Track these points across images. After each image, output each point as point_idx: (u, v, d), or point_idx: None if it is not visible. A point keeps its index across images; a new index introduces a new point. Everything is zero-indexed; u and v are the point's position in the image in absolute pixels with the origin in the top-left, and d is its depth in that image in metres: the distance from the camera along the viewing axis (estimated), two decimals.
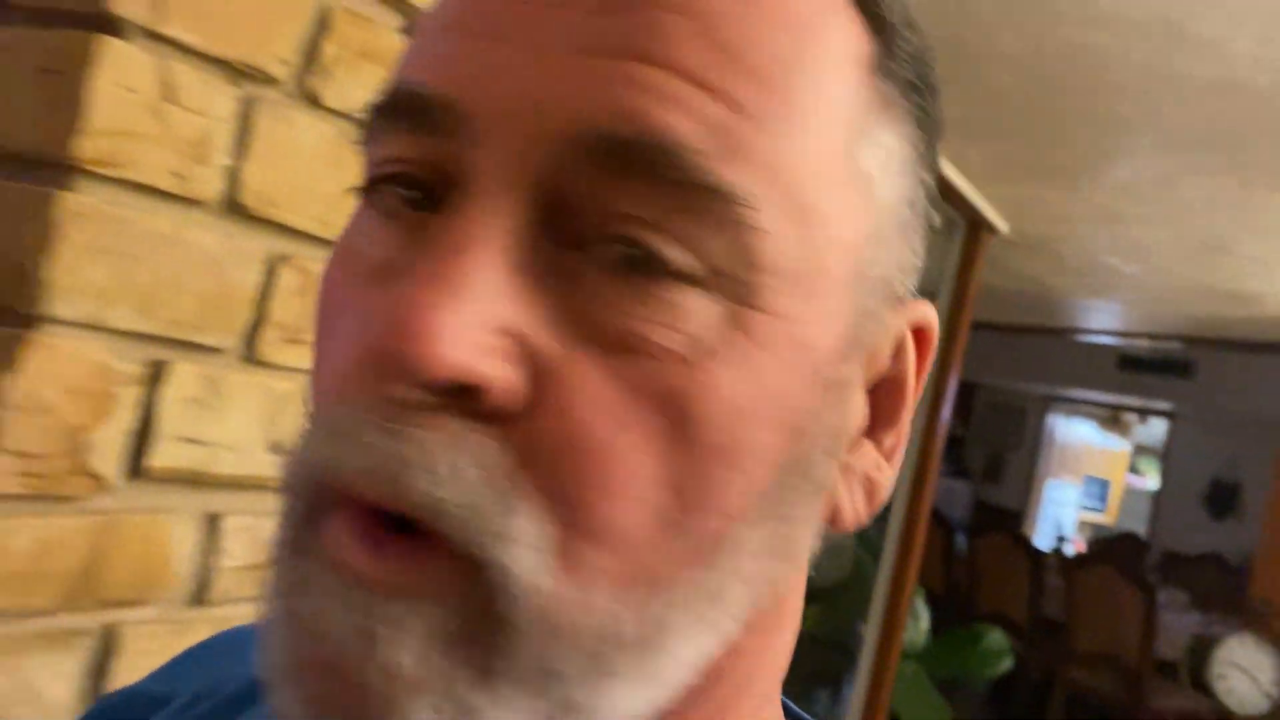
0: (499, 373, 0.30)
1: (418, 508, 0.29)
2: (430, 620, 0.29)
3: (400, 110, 0.33)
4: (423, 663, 0.29)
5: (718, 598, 0.33)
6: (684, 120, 0.30)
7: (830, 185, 0.33)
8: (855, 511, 0.38)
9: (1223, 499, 6.85)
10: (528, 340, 0.30)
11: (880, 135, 0.35)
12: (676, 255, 0.30)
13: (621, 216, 0.30)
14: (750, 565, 0.33)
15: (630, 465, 0.30)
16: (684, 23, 0.31)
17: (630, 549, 0.31)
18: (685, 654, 0.33)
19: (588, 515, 0.30)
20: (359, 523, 0.30)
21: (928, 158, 0.38)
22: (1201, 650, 4.70)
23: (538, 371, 0.30)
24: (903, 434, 0.39)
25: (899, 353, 0.38)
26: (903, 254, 0.37)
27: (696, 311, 0.31)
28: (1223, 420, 6.72)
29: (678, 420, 0.30)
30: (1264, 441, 6.06)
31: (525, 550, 0.29)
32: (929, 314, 0.40)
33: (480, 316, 0.29)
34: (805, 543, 0.36)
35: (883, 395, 0.38)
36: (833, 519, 0.37)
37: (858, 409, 0.37)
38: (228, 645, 0.54)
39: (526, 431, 0.30)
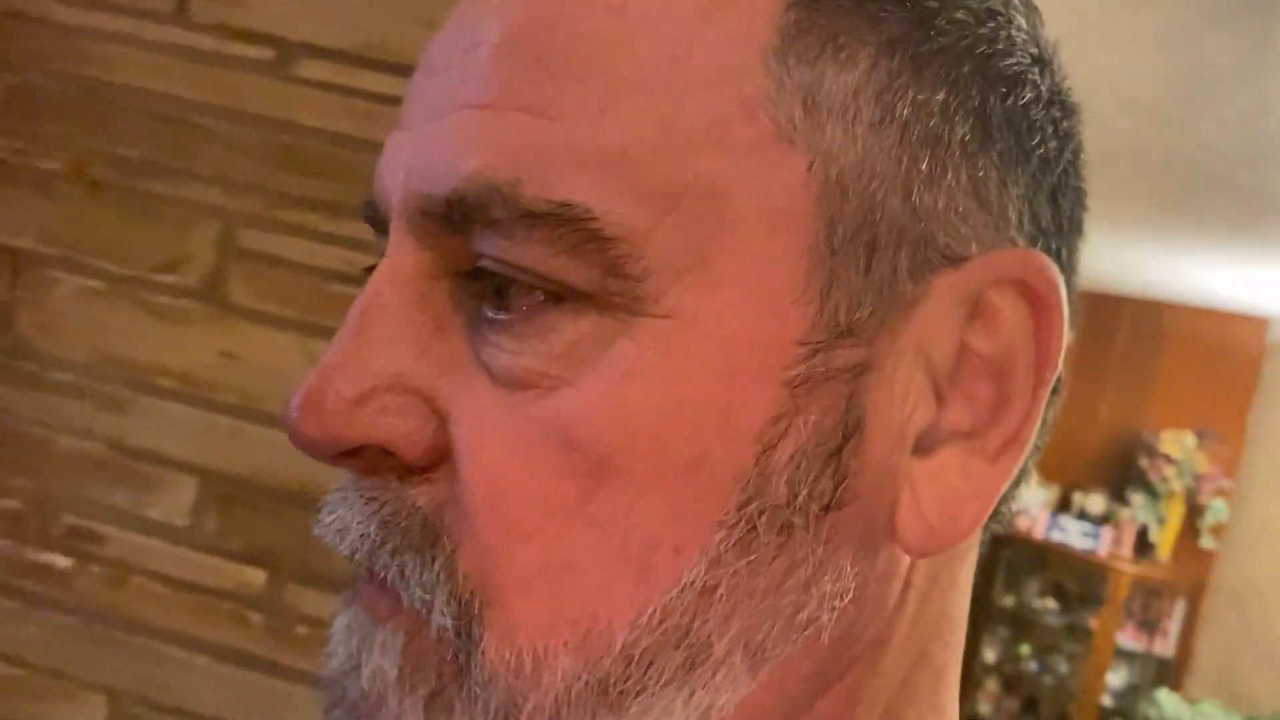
0: (390, 431, 0.30)
1: (357, 564, 0.31)
2: (393, 644, 0.31)
3: (370, 221, 0.34)
4: (393, 678, 0.30)
5: (698, 648, 0.29)
6: (481, 156, 0.29)
7: (724, 152, 0.29)
8: (926, 526, 0.30)
9: None
10: (429, 391, 0.30)
11: (814, 71, 0.29)
12: (529, 280, 0.29)
13: (476, 257, 0.30)
14: (745, 605, 0.29)
15: (543, 503, 0.29)
16: (487, 49, 0.30)
17: (559, 594, 0.29)
18: (675, 709, 0.29)
19: (507, 562, 0.29)
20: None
21: (940, 71, 0.30)
22: None
23: (446, 420, 0.30)
24: (1020, 426, 0.30)
25: (983, 321, 0.31)
26: (933, 196, 0.30)
27: (563, 330, 0.29)
28: None
29: (577, 447, 0.28)
30: None
31: (447, 602, 0.29)
32: (1029, 263, 0.30)
33: (360, 382, 0.30)
34: (837, 570, 0.30)
35: (970, 380, 0.31)
36: (896, 538, 0.31)
37: (904, 403, 0.31)
38: None
39: (450, 481, 0.30)
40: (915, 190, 0.30)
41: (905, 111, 0.30)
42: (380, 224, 0.33)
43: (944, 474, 0.31)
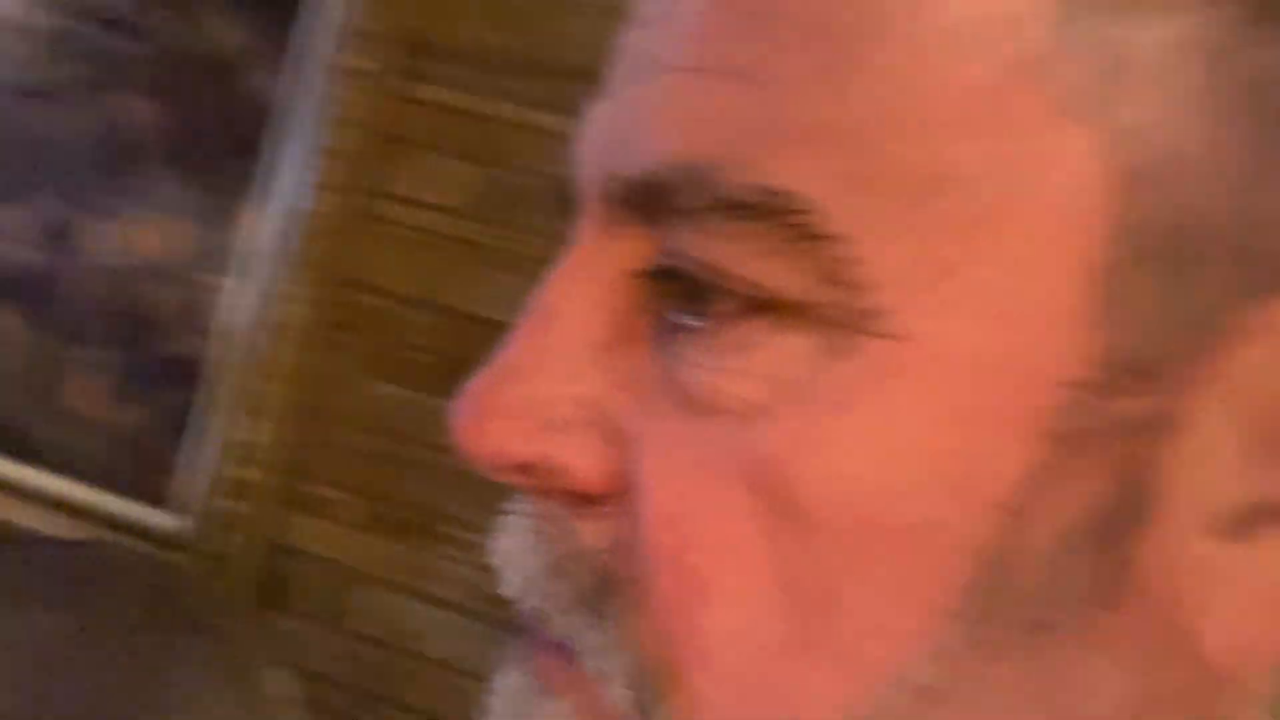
0: (560, 450, 0.25)
1: (516, 611, 0.27)
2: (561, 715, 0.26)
3: (562, 203, 0.30)
4: None
5: None
6: (679, 133, 0.24)
7: (984, 130, 0.22)
8: (1247, 636, 0.23)
9: None
10: (609, 408, 0.26)
11: (1116, 22, 0.22)
12: (726, 284, 0.23)
13: (670, 254, 0.24)
14: (962, 713, 0.23)
15: (730, 558, 0.24)
16: (696, 2, 0.24)
17: (744, 673, 0.24)
18: None
19: (685, 626, 0.24)
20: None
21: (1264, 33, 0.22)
22: None
23: (625, 445, 0.25)
24: None
25: None
26: (1277, 195, 0.22)
27: (764, 346, 0.23)
28: None
29: (771, 492, 0.23)
30: None
31: (623, 672, 0.25)
32: None
33: (530, 391, 0.26)
34: (1110, 687, 0.24)
35: None
36: (1201, 650, 0.23)
37: (1215, 470, 0.23)
38: None
39: (625, 519, 0.25)
40: (1252, 186, 0.22)
41: (1244, 78, 0.22)
42: (571, 207, 0.28)
43: (1273, 565, 0.23)
